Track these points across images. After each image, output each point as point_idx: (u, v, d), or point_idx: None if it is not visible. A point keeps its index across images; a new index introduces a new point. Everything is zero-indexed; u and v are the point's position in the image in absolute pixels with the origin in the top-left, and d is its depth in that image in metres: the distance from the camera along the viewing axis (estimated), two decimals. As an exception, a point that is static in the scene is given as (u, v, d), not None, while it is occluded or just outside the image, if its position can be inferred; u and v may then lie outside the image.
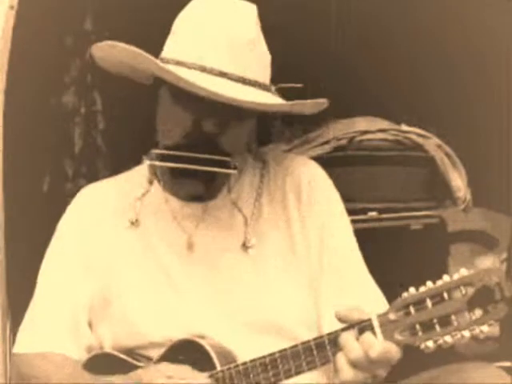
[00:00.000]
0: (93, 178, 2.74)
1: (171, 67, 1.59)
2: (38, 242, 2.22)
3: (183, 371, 1.55)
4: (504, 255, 2.59)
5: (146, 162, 1.66)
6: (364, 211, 2.41)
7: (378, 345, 1.42)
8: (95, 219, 1.75)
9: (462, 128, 2.74)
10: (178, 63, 1.61)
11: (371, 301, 1.66)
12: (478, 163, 2.63)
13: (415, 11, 2.61)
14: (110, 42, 1.63)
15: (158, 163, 1.65)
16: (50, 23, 2.34)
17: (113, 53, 1.65)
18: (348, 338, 1.45)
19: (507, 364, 1.86)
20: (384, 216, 2.46)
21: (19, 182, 2.12)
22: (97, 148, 2.83)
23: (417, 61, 2.76)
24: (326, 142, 2.46)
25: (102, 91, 2.75)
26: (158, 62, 1.59)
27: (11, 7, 1.90)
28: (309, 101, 1.65)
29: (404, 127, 2.53)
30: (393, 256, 2.34)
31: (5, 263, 1.92)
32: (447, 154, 2.50)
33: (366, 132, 2.48)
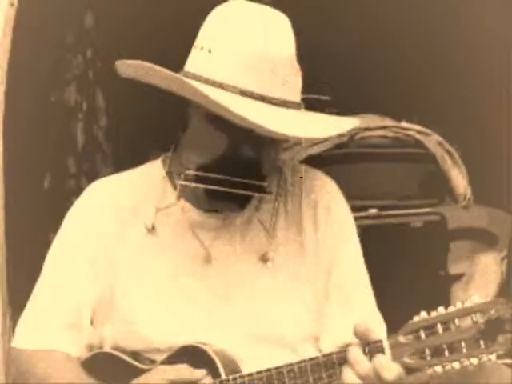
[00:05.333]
0: (94, 174, 2.76)
1: (208, 88, 1.52)
2: (38, 240, 2.22)
3: (183, 371, 1.53)
4: (504, 252, 2.59)
5: (179, 183, 1.62)
6: (364, 208, 2.41)
7: (393, 367, 1.42)
8: (105, 215, 1.70)
9: (463, 125, 2.75)
10: (215, 85, 1.54)
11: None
12: (479, 160, 2.63)
13: (417, 10, 2.61)
14: (137, 63, 1.55)
15: (193, 184, 1.60)
16: (51, 20, 2.34)
17: (138, 72, 1.58)
18: (356, 354, 1.44)
19: (507, 361, 1.86)
20: (384, 213, 2.46)
21: (20, 178, 2.12)
22: (98, 145, 2.83)
23: (418, 59, 2.76)
24: (327, 139, 2.46)
25: (103, 88, 2.76)
26: (202, 90, 1.49)
27: (11, 4, 1.89)
28: (350, 127, 1.62)
29: (404, 124, 2.53)
30: (393, 253, 2.34)
31: (5, 261, 1.92)
32: (448, 151, 2.50)
33: (366, 129, 2.47)
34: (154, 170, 1.74)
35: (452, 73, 2.74)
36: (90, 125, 2.80)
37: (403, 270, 2.28)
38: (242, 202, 1.62)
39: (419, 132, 2.50)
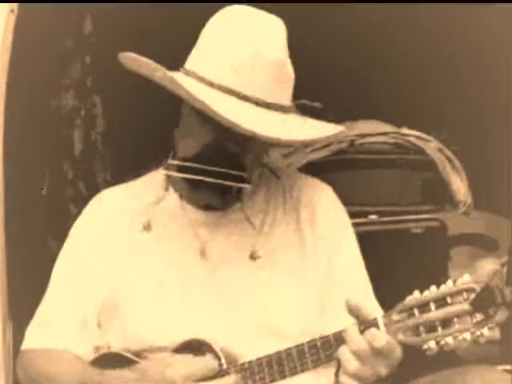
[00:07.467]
0: (92, 181, 2.76)
1: (191, 81, 1.58)
2: (38, 245, 2.23)
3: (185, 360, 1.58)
4: (504, 258, 2.59)
5: (163, 172, 1.70)
6: (364, 214, 2.41)
7: (382, 336, 1.46)
8: (110, 224, 1.77)
9: (463, 131, 2.75)
10: (199, 78, 1.59)
11: None
12: (479, 166, 2.64)
13: (418, 17, 2.62)
14: (131, 55, 1.62)
15: (174, 174, 1.67)
16: (50, 26, 2.34)
17: (135, 64, 1.65)
18: (353, 333, 1.49)
19: (507, 367, 1.86)
20: (384, 219, 2.46)
21: (19, 184, 2.12)
22: (96, 151, 2.83)
23: (418, 65, 2.76)
24: (327, 146, 2.46)
25: (102, 94, 2.76)
26: (175, 78, 1.54)
27: (11, 11, 1.90)
28: (331, 133, 1.66)
29: (405, 130, 2.54)
30: (393, 259, 2.34)
31: (5, 266, 1.92)
32: (448, 158, 2.51)
33: (366, 135, 2.48)
34: (154, 177, 1.80)
35: (452, 79, 2.74)
36: (88, 131, 2.80)
37: (403, 276, 2.28)
38: (222, 193, 1.66)
39: (419, 138, 2.50)
